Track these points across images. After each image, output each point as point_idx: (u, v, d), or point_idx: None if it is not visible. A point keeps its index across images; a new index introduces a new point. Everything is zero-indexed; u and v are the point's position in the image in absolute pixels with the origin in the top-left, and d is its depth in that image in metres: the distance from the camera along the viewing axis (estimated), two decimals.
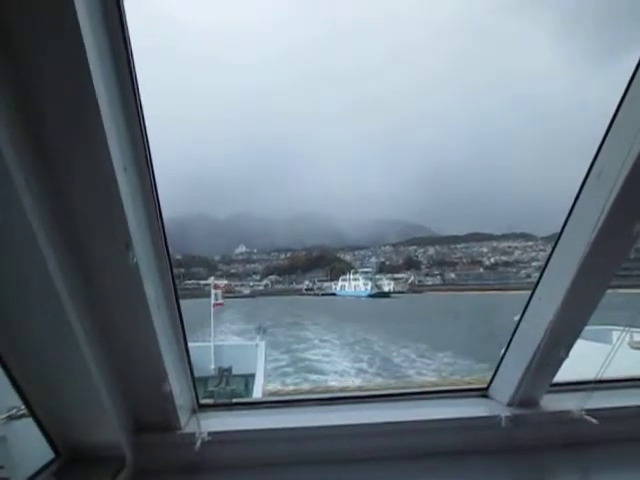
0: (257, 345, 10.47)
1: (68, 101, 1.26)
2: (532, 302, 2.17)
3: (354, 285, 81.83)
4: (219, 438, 2.01)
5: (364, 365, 18.13)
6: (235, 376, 9.58)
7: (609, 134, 1.74)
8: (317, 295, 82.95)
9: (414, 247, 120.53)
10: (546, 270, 2.08)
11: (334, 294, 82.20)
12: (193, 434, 1.97)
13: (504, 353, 2.33)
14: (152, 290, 1.66)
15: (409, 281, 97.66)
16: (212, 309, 11.56)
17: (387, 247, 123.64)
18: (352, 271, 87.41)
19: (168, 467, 1.99)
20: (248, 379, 9.29)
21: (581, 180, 1.89)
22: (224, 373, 9.50)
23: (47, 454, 1.83)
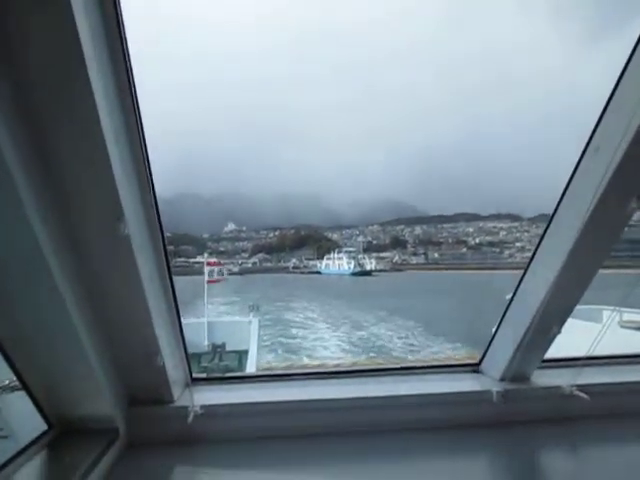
0: (250, 322, 10.57)
1: (54, 67, 1.18)
2: (526, 277, 2.16)
3: (338, 264, 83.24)
4: (212, 411, 2.03)
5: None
6: (229, 352, 9.66)
7: (609, 107, 1.70)
8: (303, 273, 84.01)
9: (401, 227, 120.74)
10: (541, 245, 2.07)
11: (319, 272, 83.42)
12: (186, 407, 1.99)
13: (497, 328, 2.34)
14: (144, 263, 1.63)
15: (394, 260, 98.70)
16: (206, 285, 11.51)
17: (375, 226, 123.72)
18: (337, 250, 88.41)
19: (161, 439, 1.99)
20: (241, 355, 9.38)
21: (574, 162, 1.87)
22: (217, 349, 9.57)
23: (40, 426, 1.83)
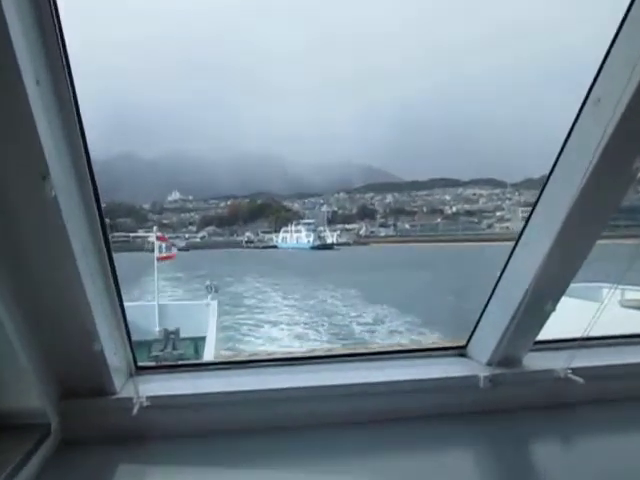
0: (208, 304, 10.46)
1: None
2: (517, 249, 2.18)
3: (296, 237, 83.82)
4: (160, 403, 2.00)
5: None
6: (183, 339, 9.54)
7: (610, 55, 1.70)
8: (257, 248, 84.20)
9: (371, 194, 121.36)
10: (534, 212, 2.08)
11: (275, 246, 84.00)
12: (130, 399, 1.95)
13: (484, 307, 2.36)
14: (77, 232, 1.58)
15: (360, 232, 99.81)
16: (156, 263, 11.25)
17: (341, 194, 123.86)
18: (294, 222, 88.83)
19: (102, 435, 1.97)
20: (198, 342, 9.28)
21: (570, 121, 1.87)
22: (170, 336, 9.42)
23: None
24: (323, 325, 19.01)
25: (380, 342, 16.31)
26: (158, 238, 11.58)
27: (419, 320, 18.30)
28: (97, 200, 1.72)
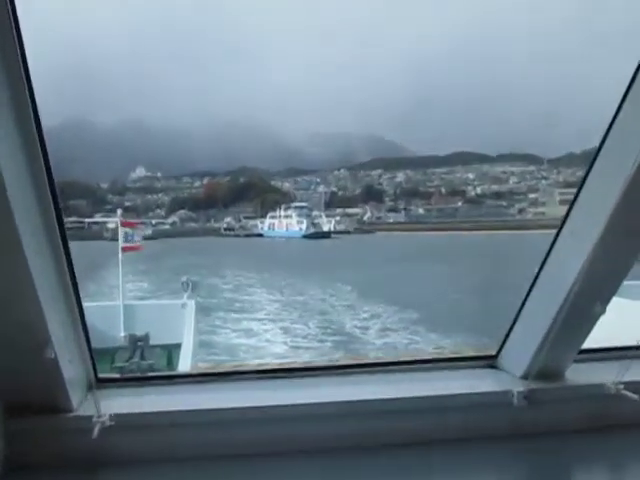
0: (184, 305, 10.41)
1: None
2: (559, 239, 2.18)
3: (285, 223, 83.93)
4: (125, 422, 1.99)
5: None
6: (153, 347, 9.48)
7: None
8: (239, 236, 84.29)
9: (378, 171, 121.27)
10: (581, 192, 2.07)
11: (261, 235, 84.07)
12: (89, 418, 1.95)
13: (519, 309, 2.36)
14: (24, 213, 1.56)
15: (364, 217, 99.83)
16: (120, 254, 11.12)
17: (342, 171, 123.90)
18: (284, 206, 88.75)
19: (54, 461, 1.97)
20: (172, 351, 9.26)
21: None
22: (138, 342, 9.36)
23: None
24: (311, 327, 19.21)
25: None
26: (123, 224, 11.40)
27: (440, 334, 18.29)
28: (50, 178, 1.70)
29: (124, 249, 11.15)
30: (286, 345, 17.82)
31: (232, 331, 18.85)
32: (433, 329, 18.45)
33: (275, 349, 17.18)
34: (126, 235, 11.21)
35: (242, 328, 19.51)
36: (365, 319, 21.11)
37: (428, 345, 17.44)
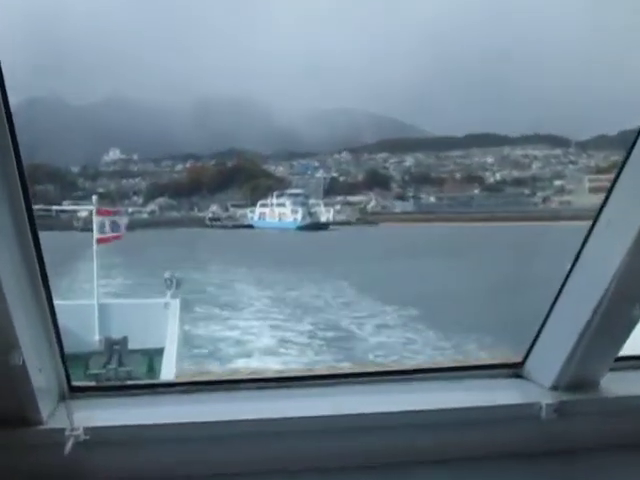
0: (167, 304, 10.40)
1: None
2: (594, 232, 2.19)
3: (278, 213, 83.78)
4: (101, 437, 2.01)
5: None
6: (132, 352, 9.48)
7: None
8: (226, 227, 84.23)
9: (385, 154, 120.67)
10: (619, 180, 2.07)
11: (251, 226, 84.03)
12: (61, 431, 1.98)
13: (548, 312, 2.37)
14: None
15: (368, 206, 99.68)
16: (95, 247, 11.05)
17: (344, 154, 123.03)
18: (276, 193, 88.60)
19: (21, 479, 2.01)
20: (153, 356, 9.27)
21: None
22: (114, 347, 9.35)
23: None
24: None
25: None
26: (99, 212, 11.26)
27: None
28: (19, 162, 1.69)
29: (99, 240, 11.01)
30: (278, 345, 17.95)
31: (217, 330, 18.97)
32: (445, 335, 18.58)
33: (262, 347, 17.30)
34: (101, 225, 11.06)
35: (228, 326, 19.67)
36: (360, 317, 21.28)
37: (425, 346, 17.57)
